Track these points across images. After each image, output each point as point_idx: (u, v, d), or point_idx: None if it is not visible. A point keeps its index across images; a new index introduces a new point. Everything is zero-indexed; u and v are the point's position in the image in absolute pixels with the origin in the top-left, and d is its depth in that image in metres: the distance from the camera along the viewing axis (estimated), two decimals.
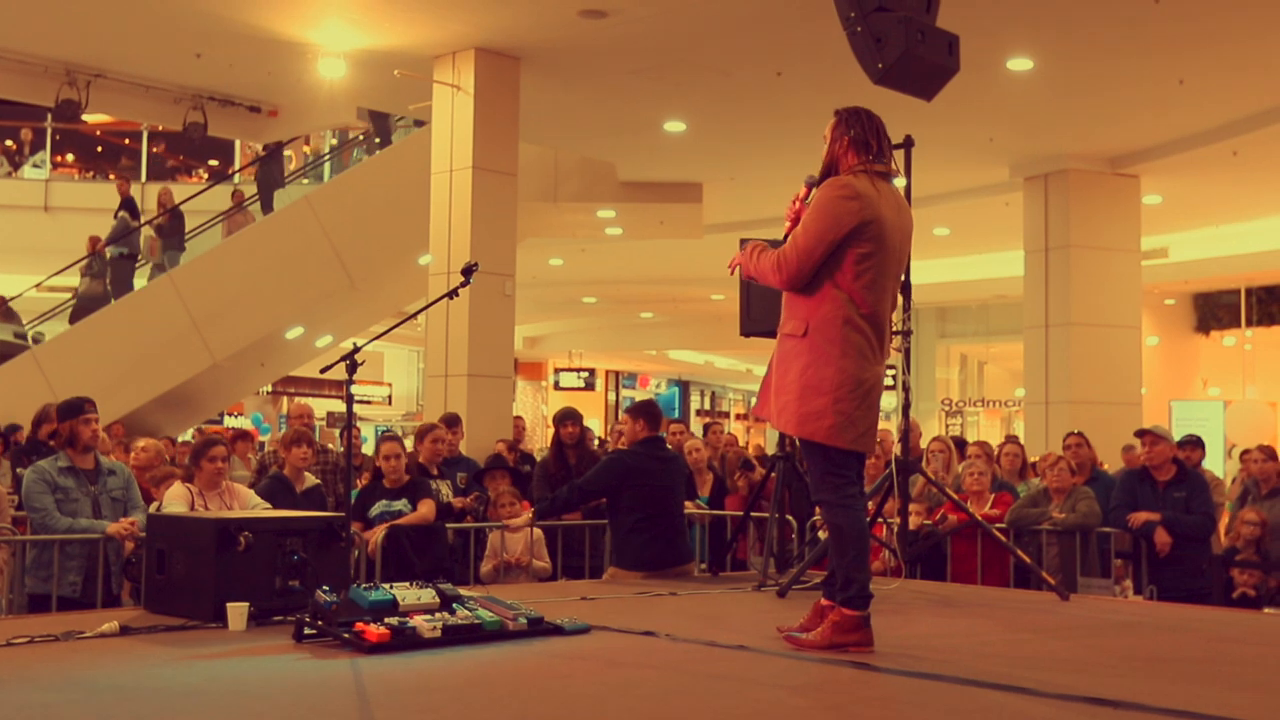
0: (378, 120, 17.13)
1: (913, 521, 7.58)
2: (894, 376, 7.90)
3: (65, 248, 18.00)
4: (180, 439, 15.32)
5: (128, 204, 17.93)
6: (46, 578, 6.52)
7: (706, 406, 43.57)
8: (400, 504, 7.67)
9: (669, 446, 9.83)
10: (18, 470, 9.13)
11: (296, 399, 24.36)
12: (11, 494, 8.46)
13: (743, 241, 7.19)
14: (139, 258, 17.68)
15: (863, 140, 4.80)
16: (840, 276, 4.69)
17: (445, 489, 8.45)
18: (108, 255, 17.40)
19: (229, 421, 25.30)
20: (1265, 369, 23.86)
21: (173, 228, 17.50)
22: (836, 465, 4.74)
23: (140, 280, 17.31)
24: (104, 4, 11.46)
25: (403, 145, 15.89)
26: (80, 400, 6.84)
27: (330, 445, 9.98)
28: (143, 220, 18.07)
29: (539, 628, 5.00)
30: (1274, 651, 5.27)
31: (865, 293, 4.70)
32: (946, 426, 25.94)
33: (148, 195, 22.82)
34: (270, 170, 17.97)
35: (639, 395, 38.51)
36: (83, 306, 17.00)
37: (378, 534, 7.43)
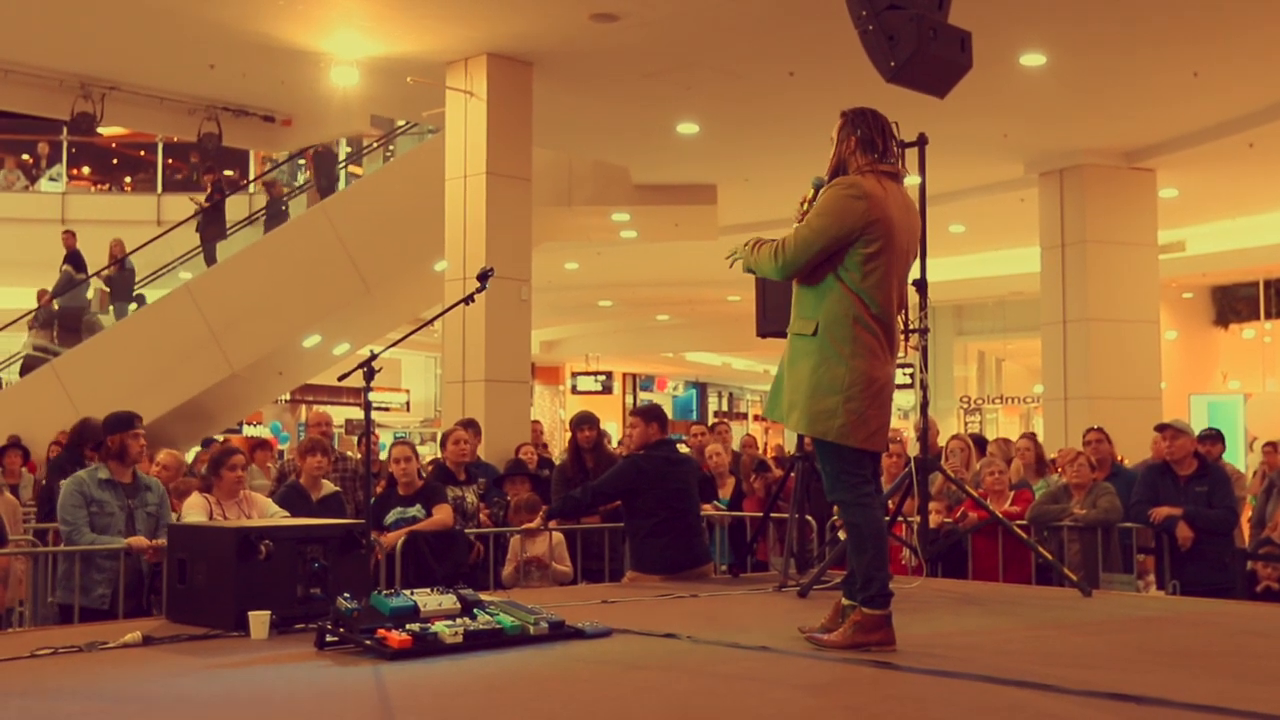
0: (321, 164, 17.23)
1: (933, 520, 7.57)
2: (912, 375, 7.89)
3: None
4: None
5: (73, 258, 17.91)
6: (74, 588, 6.53)
7: (724, 408, 43.54)
8: (414, 510, 7.67)
9: (689, 449, 9.87)
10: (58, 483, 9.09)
11: (315, 407, 24.44)
12: (33, 506, 8.49)
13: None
14: (86, 311, 17.77)
15: (869, 140, 4.80)
16: (849, 275, 4.69)
17: (471, 495, 8.46)
18: (55, 307, 17.49)
19: (248, 431, 25.36)
20: None
21: (121, 280, 17.51)
22: (851, 464, 4.74)
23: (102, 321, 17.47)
24: (117, 18, 11.52)
25: (416, 152, 15.93)
26: (130, 415, 6.84)
27: (349, 453, 10.00)
28: (90, 273, 18.04)
29: (560, 632, 5.00)
30: None
31: (874, 291, 4.70)
32: (965, 424, 25.86)
33: (164, 206, 22.97)
34: (212, 222, 17.83)
35: (657, 398, 38.52)
36: (31, 360, 17.04)
37: (393, 537, 7.44)
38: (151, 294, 17.66)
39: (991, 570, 7.96)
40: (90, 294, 18.00)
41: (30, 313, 17.99)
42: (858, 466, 4.76)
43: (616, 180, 16.71)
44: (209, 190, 18.55)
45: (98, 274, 17.84)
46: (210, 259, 17.18)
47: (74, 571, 6.54)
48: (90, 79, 13.24)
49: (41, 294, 18.02)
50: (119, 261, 17.49)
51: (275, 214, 17.78)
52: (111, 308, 17.43)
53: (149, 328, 16.25)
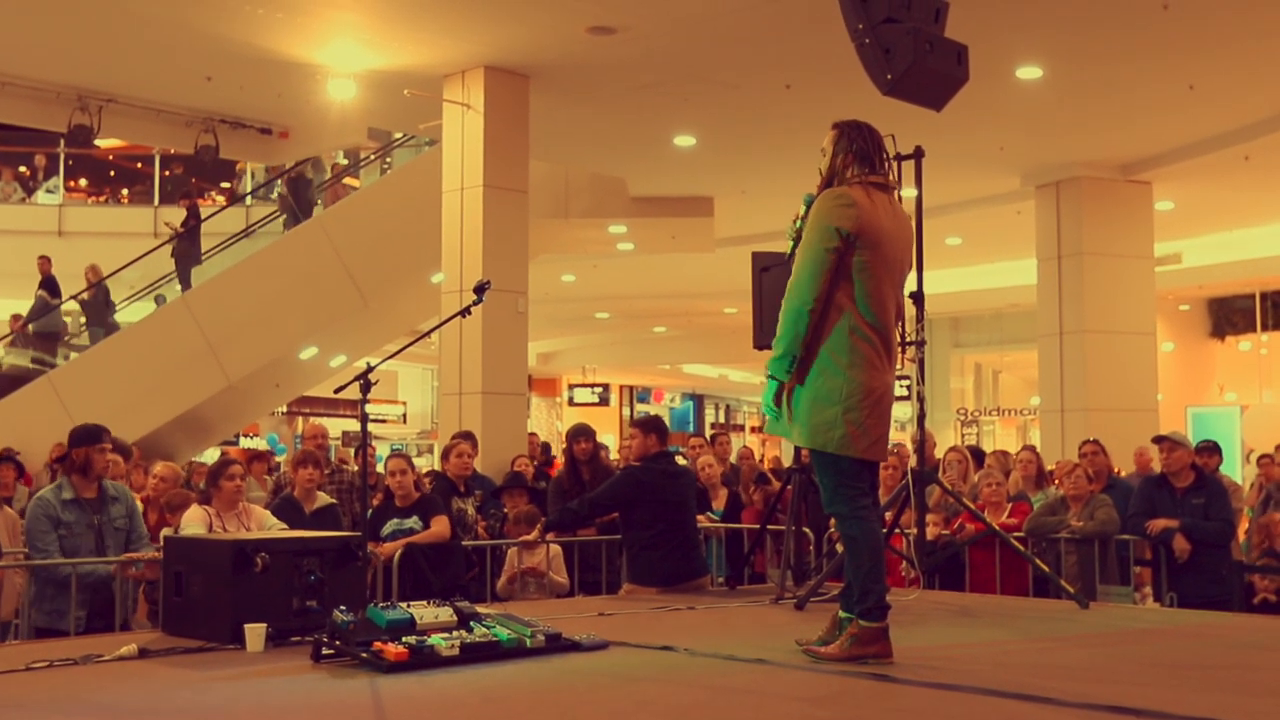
0: (296, 189, 17.23)
1: (930, 532, 7.57)
2: (909, 387, 7.88)
3: (79, 273, 18.09)
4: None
5: (48, 283, 17.91)
6: (50, 611, 6.47)
7: (721, 420, 43.54)
8: (411, 521, 7.67)
9: (687, 460, 9.86)
10: None
11: (311, 419, 24.40)
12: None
13: (755, 255, 7.26)
14: (62, 334, 17.79)
15: (863, 153, 4.83)
16: (842, 286, 4.71)
17: (470, 507, 8.45)
18: (30, 330, 17.52)
19: (244, 443, 25.33)
20: None
21: (98, 302, 17.51)
22: (849, 476, 4.74)
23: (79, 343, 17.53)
24: (115, 30, 11.52)
25: (413, 165, 15.94)
26: (98, 428, 6.73)
27: (346, 465, 9.99)
28: (65, 297, 18.05)
29: (557, 644, 4.99)
30: None
31: (868, 302, 4.71)
32: (962, 436, 25.88)
33: (161, 219, 22.92)
34: (187, 247, 17.80)
35: (654, 410, 38.51)
36: (14, 373, 17.05)
37: (390, 549, 7.43)
38: (143, 309, 17.66)
39: (989, 582, 7.95)
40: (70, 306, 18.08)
41: (6, 337, 17.98)
42: (856, 479, 4.76)
43: (613, 192, 16.71)
44: (185, 215, 18.52)
45: (74, 298, 17.83)
46: (185, 283, 17.15)
47: (50, 594, 6.43)
48: (87, 91, 13.23)
49: (15, 319, 18.00)
50: (94, 286, 17.48)
51: (295, 213, 17.77)
52: (88, 332, 17.44)
53: (145, 340, 16.24)
